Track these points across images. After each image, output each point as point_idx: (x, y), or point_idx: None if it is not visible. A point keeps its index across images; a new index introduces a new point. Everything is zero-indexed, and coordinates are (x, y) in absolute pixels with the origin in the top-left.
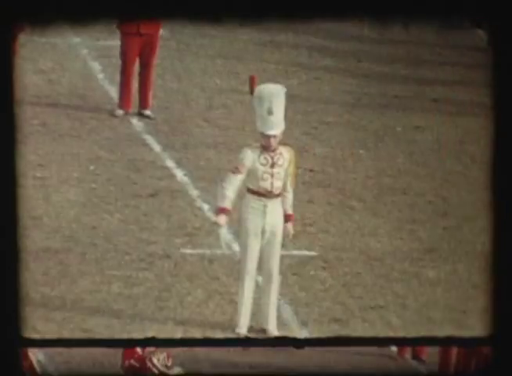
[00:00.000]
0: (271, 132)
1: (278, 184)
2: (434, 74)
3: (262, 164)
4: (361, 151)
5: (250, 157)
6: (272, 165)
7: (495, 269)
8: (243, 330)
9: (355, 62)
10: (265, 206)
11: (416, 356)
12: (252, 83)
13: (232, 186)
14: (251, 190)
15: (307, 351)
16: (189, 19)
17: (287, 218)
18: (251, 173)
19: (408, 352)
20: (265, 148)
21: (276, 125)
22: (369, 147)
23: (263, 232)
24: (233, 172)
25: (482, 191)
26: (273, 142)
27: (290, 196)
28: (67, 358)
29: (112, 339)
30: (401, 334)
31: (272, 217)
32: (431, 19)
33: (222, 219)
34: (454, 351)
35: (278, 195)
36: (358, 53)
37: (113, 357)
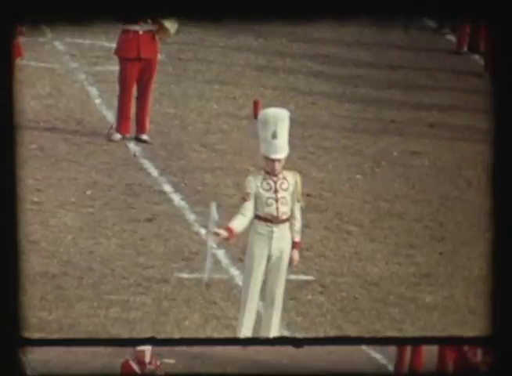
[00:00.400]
0: (275, 156)
1: (284, 209)
2: (431, 99)
3: (265, 190)
4: (358, 176)
5: (252, 184)
6: (276, 190)
7: (495, 269)
8: None
9: (351, 87)
10: (271, 232)
11: (412, 369)
12: (256, 107)
13: (244, 211)
14: (258, 216)
15: (306, 351)
16: (188, 19)
17: (293, 245)
18: (257, 199)
19: (406, 365)
20: (269, 173)
21: (281, 149)
22: (365, 172)
23: (269, 257)
24: (244, 200)
25: (479, 216)
26: (277, 166)
27: (297, 223)
28: (67, 358)
29: (111, 339)
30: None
31: (278, 242)
32: (431, 18)
33: (221, 232)
34: (450, 366)
35: (285, 220)
36: (355, 78)
37: (113, 357)
